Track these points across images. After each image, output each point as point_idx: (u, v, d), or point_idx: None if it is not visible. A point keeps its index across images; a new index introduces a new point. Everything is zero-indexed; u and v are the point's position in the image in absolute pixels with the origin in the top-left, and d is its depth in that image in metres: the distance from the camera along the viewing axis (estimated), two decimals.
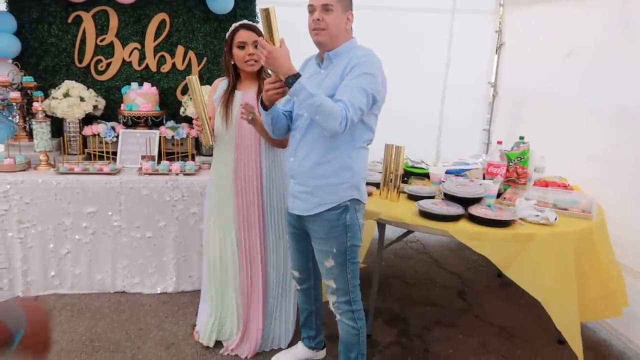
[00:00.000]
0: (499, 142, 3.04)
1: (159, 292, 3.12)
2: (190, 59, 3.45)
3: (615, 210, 2.77)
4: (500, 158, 2.94)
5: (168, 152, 3.29)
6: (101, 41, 3.37)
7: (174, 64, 3.45)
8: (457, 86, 4.32)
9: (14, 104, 3.12)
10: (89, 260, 3.03)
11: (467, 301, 3.24)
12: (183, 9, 3.38)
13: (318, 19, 1.90)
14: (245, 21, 2.37)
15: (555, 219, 2.39)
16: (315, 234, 2.09)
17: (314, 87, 1.78)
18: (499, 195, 2.72)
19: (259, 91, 2.34)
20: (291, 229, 2.26)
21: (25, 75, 3.22)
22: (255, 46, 2.26)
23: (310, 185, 2.03)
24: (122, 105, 3.31)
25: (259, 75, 2.40)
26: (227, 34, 2.35)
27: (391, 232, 3.09)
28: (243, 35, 2.29)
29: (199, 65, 3.47)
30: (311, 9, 1.93)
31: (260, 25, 1.90)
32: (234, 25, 2.36)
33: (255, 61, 2.31)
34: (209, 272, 2.58)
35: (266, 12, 1.74)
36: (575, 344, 2.27)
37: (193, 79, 2.26)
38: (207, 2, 3.31)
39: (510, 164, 2.91)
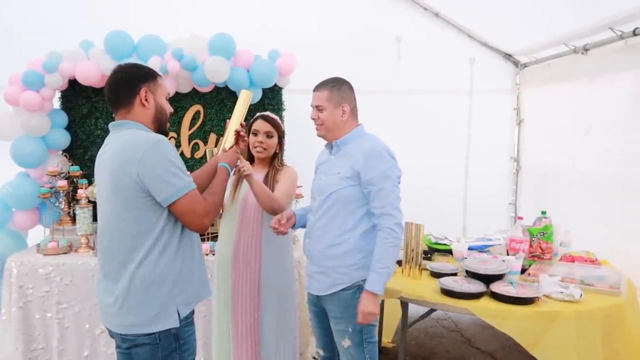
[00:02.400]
0: (520, 218, 3.06)
1: None
2: None
3: None
4: (523, 233, 2.95)
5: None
6: None
7: (206, 151, 3.70)
8: (479, 162, 4.42)
9: (61, 191, 3.39)
10: None
11: None
12: (216, 101, 3.69)
13: (314, 118, 2.17)
14: (267, 113, 2.58)
15: (581, 295, 2.36)
16: (332, 313, 2.15)
17: None
18: (523, 271, 2.71)
19: (266, 177, 2.51)
20: (312, 307, 2.32)
21: (72, 164, 3.52)
22: (268, 136, 2.48)
23: (324, 266, 2.13)
24: None
25: (271, 162, 2.57)
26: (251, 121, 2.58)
27: (419, 310, 3.07)
28: (258, 124, 2.50)
29: None
30: (312, 108, 2.20)
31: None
32: (257, 114, 2.58)
33: (264, 149, 2.49)
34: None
35: (248, 96, 2.19)
36: None
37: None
38: (236, 93, 3.60)
39: (533, 239, 2.91)
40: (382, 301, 3.15)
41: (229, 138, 2.23)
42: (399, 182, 2.10)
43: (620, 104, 3.06)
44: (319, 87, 2.17)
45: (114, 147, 1.69)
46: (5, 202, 3.37)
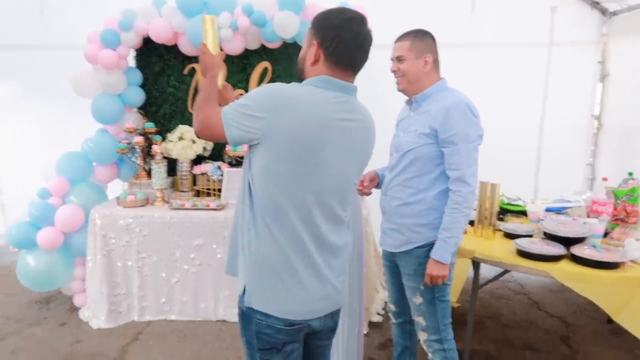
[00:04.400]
0: (604, 179, 2.88)
1: None
2: None
3: None
4: (607, 195, 2.78)
5: None
6: None
7: None
8: (556, 120, 4.16)
9: (137, 147, 3.53)
10: (195, 289, 3.28)
11: (572, 348, 3.02)
12: (284, 57, 3.66)
13: (394, 70, 2.08)
14: None
15: None
16: (404, 269, 2.14)
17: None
18: (605, 235, 2.57)
19: None
20: (386, 262, 2.32)
21: (147, 121, 3.65)
22: None
23: (398, 223, 2.10)
24: (227, 146, 3.61)
25: None
26: None
27: (486, 271, 3.01)
28: None
29: None
30: (392, 61, 2.10)
31: None
32: None
33: None
34: None
35: (212, 20, 1.75)
36: None
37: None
38: None
39: (618, 201, 2.74)
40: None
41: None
42: (479, 143, 2.00)
43: None
44: (400, 38, 2.07)
45: (368, 117, 1.54)
46: (87, 157, 3.56)
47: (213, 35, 1.74)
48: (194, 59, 3.66)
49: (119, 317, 3.28)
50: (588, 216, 2.78)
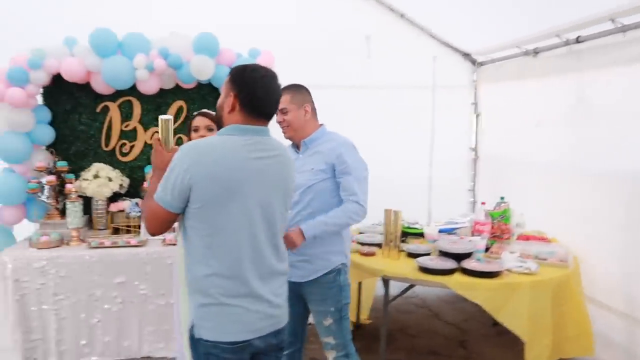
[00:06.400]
0: (483, 203, 3.43)
1: None
2: None
3: (590, 256, 3.15)
4: (485, 217, 3.32)
5: None
6: (126, 127, 3.79)
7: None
8: (441, 152, 4.79)
9: (48, 186, 3.46)
10: (117, 328, 3.27)
11: (467, 349, 3.51)
12: (197, 97, 3.85)
13: (280, 121, 2.35)
14: (204, 110, 2.52)
15: (537, 268, 2.75)
16: (313, 297, 2.38)
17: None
18: (487, 249, 3.08)
19: None
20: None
21: (58, 160, 3.59)
22: (209, 129, 2.39)
23: (307, 254, 2.32)
24: (144, 182, 3.68)
25: None
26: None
27: (392, 289, 3.40)
28: (197, 121, 2.43)
29: None
30: (278, 112, 2.33)
31: None
32: (195, 112, 2.57)
33: None
34: None
35: (161, 120, 1.89)
36: None
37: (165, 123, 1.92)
38: (219, 90, 3.77)
39: (494, 221, 3.29)
40: (360, 282, 3.47)
41: None
42: (367, 174, 2.37)
43: (565, 102, 3.47)
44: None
45: (283, 151, 1.81)
46: None
47: (167, 134, 1.87)
48: (107, 97, 3.71)
49: None
50: (472, 235, 3.29)
